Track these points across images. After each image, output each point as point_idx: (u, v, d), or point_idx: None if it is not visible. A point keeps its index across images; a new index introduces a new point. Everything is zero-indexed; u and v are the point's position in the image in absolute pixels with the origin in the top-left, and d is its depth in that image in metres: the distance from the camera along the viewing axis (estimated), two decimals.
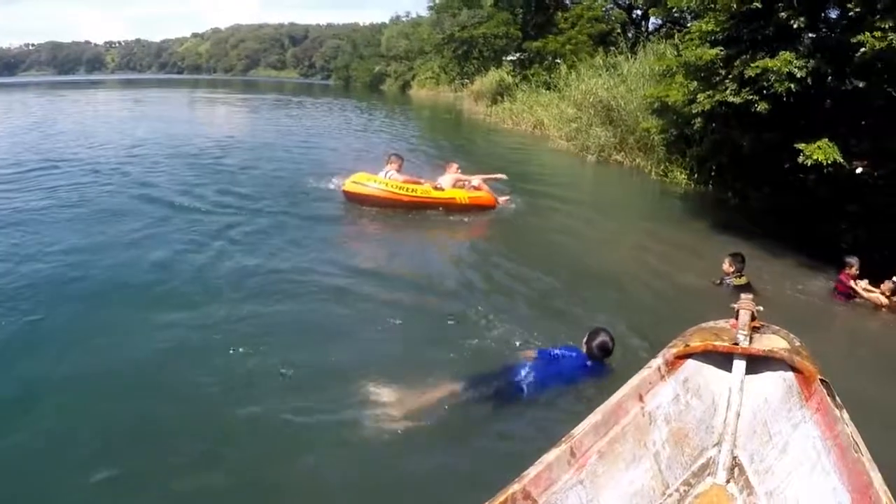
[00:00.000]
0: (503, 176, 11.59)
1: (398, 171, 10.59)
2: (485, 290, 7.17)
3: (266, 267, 7.44)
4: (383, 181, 10.27)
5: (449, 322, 6.08)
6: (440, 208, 10.44)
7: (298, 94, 58.98)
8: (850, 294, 7.65)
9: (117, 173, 12.29)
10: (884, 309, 7.44)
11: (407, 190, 10.25)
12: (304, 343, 5.55)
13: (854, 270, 7.73)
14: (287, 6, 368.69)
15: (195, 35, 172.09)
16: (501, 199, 11.12)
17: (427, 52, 60.66)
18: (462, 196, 10.54)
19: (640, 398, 3.31)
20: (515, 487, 2.60)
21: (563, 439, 2.93)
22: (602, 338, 5.04)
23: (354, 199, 10.41)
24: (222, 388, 4.69)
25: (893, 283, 7.46)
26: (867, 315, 7.42)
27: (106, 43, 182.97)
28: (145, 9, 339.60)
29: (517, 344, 5.55)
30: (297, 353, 5.26)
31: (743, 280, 7.43)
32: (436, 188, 10.47)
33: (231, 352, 5.17)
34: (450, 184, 10.69)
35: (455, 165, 11.18)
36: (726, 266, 7.58)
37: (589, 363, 5.04)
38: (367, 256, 8.48)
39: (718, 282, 7.61)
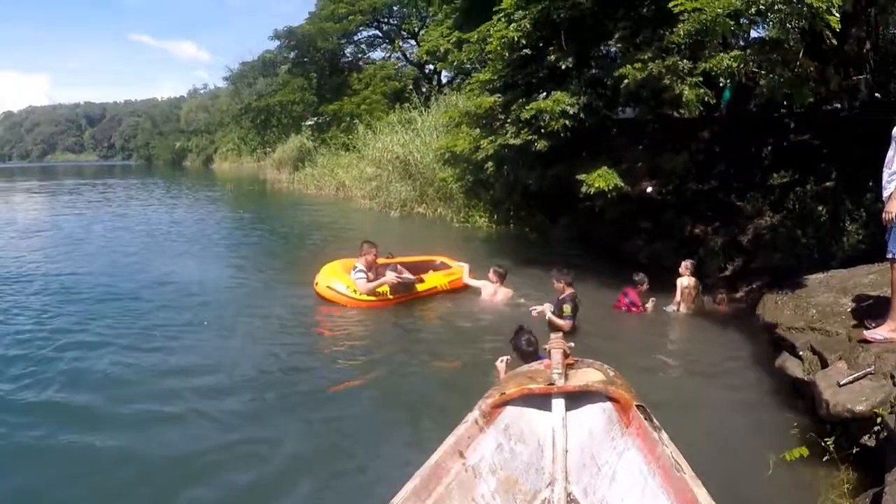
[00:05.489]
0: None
1: (371, 265, 8.65)
2: None
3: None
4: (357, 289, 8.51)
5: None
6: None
7: (101, 176, 54.10)
8: (632, 309, 7.83)
9: None
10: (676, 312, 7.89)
11: (389, 292, 8.62)
12: None
13: (643, 287, 7.96)
14: (81, 84, 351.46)
15: None
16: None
17: (227, 124, 59.28)
18: (442, 282, 9.19)
19: (461, 454, 3.22)
20: None
21: None
22: (523, 335, 5.14)
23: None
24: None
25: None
26: (671, 323, 7.78)
27: None
28: None
29: None
30: None
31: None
32: (418, 280, 8.98)
33: None
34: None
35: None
36: (558, 284, 7.17)
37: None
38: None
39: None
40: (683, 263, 7.94)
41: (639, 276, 8.02)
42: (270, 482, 4.18)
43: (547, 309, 7.22)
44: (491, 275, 8.57)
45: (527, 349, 5.08)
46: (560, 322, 6.86)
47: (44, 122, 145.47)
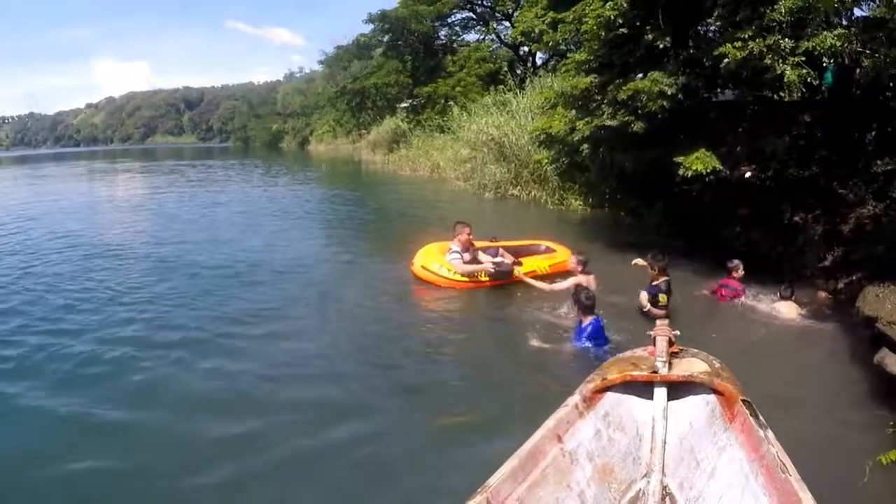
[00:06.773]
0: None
1: (467, 245, 8.79)
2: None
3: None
4: (453, 269, 8.67)
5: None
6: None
7: (200, 158, 57.14)
8: (736, 295, 7.68)
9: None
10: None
11: (483, 274, 8.71)
12: None
13: (739, 273, 7.79)
14: (179, 71, 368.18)
15: (89, 105, 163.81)
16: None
17: (322, 107, 60.78)
18: (542, 266, 9.15)
19: (559, 439, 3.19)
20: None
21: (478, 490, 2.70)
22: (582, 291, 6.05)
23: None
24: None
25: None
26: (766, 314, 7.41)
27: None
28: (36, 80, 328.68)
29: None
30: None
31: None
32: (515, 263, 8.95)
33: None
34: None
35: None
36: (652, 270, 7.15)
37: (602, 318, 6.05)
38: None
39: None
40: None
41: (733, 262, 7.85)
42: (355, 458, 4.39)
43: (644, 297, 7.09)
44: (574, 264, 8.03)
45: (586, 303, 5.92)
46: (656, 311, 6.80)
47: (144, 107, 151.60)
